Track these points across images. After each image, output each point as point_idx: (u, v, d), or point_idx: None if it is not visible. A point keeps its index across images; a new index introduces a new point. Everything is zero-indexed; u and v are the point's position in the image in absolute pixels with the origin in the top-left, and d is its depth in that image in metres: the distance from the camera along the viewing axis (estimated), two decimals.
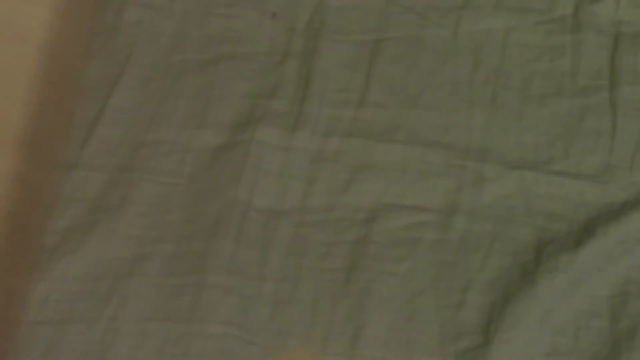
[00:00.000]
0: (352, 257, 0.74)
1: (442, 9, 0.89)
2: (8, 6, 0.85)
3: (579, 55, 0.86)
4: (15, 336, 0.70)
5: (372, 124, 0.82)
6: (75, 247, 0.74)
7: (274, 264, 0.74)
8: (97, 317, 0.70)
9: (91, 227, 0.75)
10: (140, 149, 0.80)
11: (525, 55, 0.86)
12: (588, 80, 0.84)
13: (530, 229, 0.75)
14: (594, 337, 0.70)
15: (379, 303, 0.72)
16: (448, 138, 0.81)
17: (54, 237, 0.75)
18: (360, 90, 0.84)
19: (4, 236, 0.76)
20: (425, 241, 0.75)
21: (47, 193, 0.77)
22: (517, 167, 0.79)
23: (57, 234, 0.75)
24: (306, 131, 0.81)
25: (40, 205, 0.77)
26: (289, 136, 0.81)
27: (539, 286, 0.71)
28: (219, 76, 0.85)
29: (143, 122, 0.82)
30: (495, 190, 0.78)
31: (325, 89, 0.84)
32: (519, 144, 0.81)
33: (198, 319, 0.70)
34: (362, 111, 0.83)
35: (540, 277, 0.71)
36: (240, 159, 0.79)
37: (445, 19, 0.88)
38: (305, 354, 0.70)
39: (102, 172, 0.79)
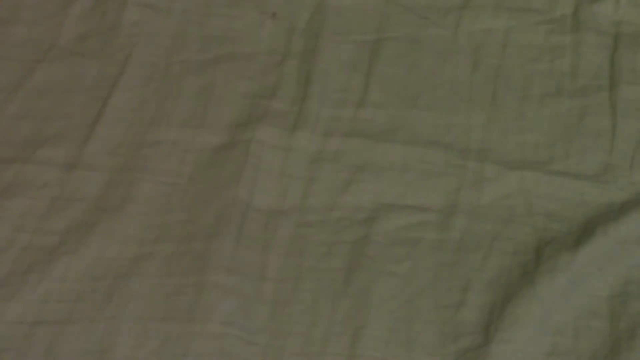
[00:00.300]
0: (352, 257, 0.74)
1: (442, 9, 0.89)
2: None
3: (579, 55, 0.86)
4: (15, 336, 0.70)
5: (372, 124, 0.82)
6: (75, 247, 0.74)
7: (274, 264, 0.74)
8: (97, 317, 0.70)
9: (91, 227, 0.75)
10: (140, 149, 0.80)
11: (525, 55, 0.86)
12: (588, 80, 0.84)
13: (530, 229, 0.75)
14: (594, 337, 0.70)
15: (379, 303, 0.72)
16: (448, 138, 0.81)
17: (54, 237, 0.75)
18: (360, 90, 0.84)
19: None
20: (425, 241, 0.75)
21: None
22: (517, 167, 0.79)
23: (57, 234, 0.75)
24: (306, 131, 0.81)
25: None
26: (289, 136, 0.81)
27: (539, 286, 0.70)
28: (219, 76, 0.85)
29: (143, 122, 0.82)
30: (495, 190, 0.78)
31: (325, 89, 0.84)
32: (519, 144, 0.81)
33: (198, 319, 0.70)
34: (362, 111, 0.83)
35: (540, 277, 0.71)
36: (240, 159, 0.79)
37: (445, 19, 0.89)
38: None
39: (102, 172, 0.79)
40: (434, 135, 0.81)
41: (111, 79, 0.85)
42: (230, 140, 0.81)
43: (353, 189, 0.78)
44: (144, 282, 0.72)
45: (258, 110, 0.82)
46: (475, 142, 0.81)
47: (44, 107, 0.83)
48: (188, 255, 0.74)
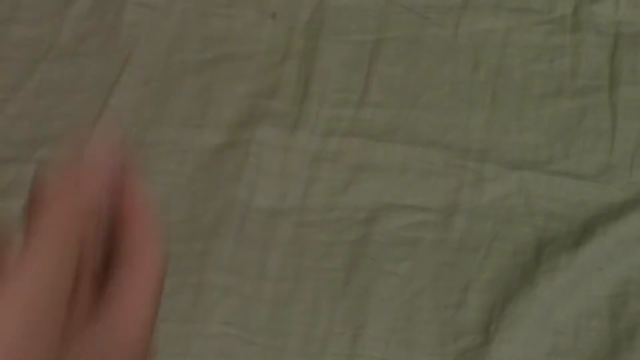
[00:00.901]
0: (352, 257, 0.74)
1: (442, 9, 0.89)
2: None
3: (579, 55, 0.86)
4: None
5: (372, 124, 0.82)
6: None
7: (274, 264, 0.74)
8: None
9: None
10: (140, 149, 0.80)
11: (525, 55, 0.86)
12: (588, 80, 0.84)
13: (530, 229, 0.75)
14: (594, 337, 0.70)
15: (379, 303, 0.72)
16: (448, 138, 0.81)
17: None
18: (360, 90, 0.84)
19: None
20: (425, 241, 0.75)
21: None
22: (517, 167, 0.79)
23: None
24: (306, 131, 0.81)
25: None
26: (289, 136, 0.81)
27: (539, 286, 0.70)
28: (219, 76, 0.85)
29: (143, 122, 0.82)
30: (495, 190, 0.78)
31: (325, 89, 0.84)
32: (519, 144, 0.81)
33: (198, 319, 0.70)
34: (362, 111, 0.83)
35: (540, 277, 0.71)
36: (240, 159, 0.79)
37: (445, 19, 0.88)
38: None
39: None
40: (434, 135, 0.81)
41: (111, 79, 0.85)
42: (230, 140, 0.81)
43: (353, 189, 0.78)
44: None
45: (258, 110, 0.82)
46: (475, 142, 0.81)
47: (44, 107, 0.83)
48: (188, 254, 0.74)
